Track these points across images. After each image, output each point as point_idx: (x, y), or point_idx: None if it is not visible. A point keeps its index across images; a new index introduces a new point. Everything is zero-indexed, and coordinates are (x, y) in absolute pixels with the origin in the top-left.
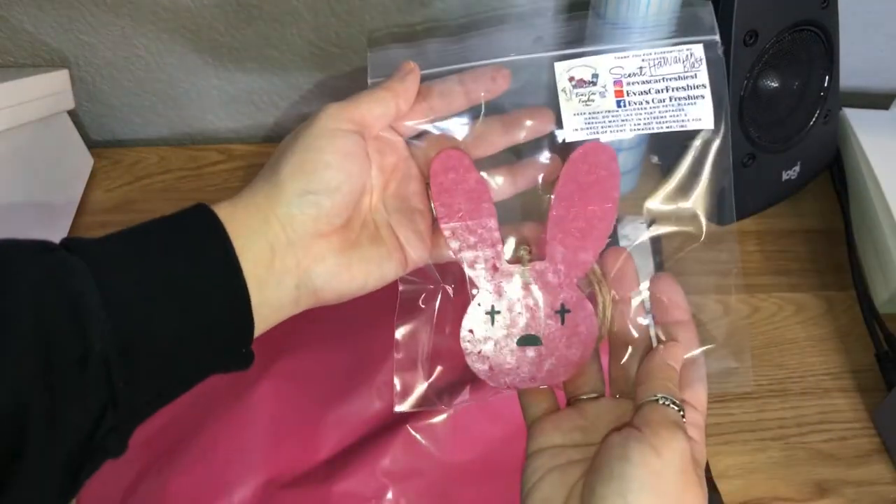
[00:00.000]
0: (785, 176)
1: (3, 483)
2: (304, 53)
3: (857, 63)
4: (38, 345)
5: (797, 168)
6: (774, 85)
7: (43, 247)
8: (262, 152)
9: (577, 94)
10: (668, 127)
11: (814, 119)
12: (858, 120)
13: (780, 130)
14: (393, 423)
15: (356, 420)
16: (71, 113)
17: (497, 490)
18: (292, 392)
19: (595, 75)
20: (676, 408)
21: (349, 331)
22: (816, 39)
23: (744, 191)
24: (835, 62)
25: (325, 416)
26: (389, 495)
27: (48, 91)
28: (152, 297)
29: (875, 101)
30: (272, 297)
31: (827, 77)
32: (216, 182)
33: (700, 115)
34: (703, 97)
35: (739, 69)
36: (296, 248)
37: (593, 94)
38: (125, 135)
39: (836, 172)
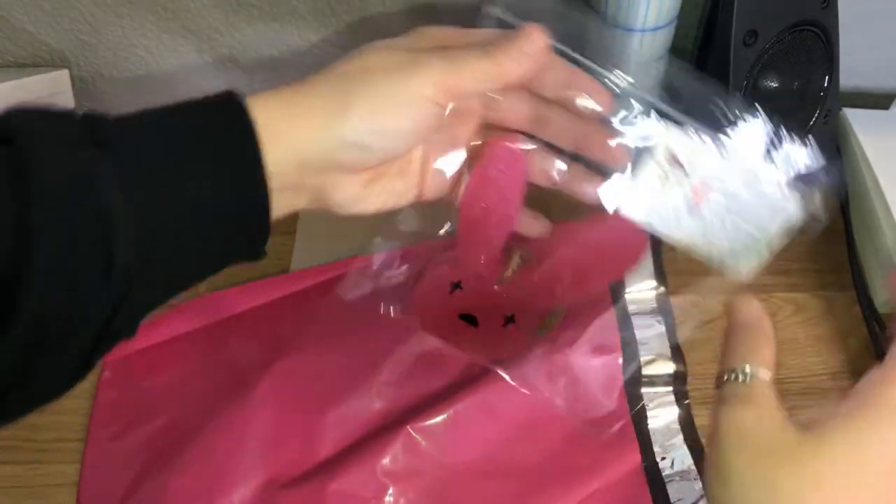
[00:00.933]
0: None
1: (27, 381)
2: (304, 54)
3: (857, 63)
4: (63, 257)
5: None
6: (774, 85)
7: (71, 139)
8: None
9: (662, 166)
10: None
11: (814, 119)
12: (858, 120)
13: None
14: (393, 424)
15: (356, 420)
16: None
17: (497, 490)
18: (292, 392)
19: (690, 165)
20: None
21: (349, 331)
22: (816, 39)
23: None
24: (835, 62)
25: (325, 416)
26: (389, 496)
27: (48, 91)
28: (176, 212)
29: (875, 101)
30: (284, 204)
31: (827, 77)
32: None
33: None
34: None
35: (739, 69)
36: (323, 176)
37: (669, 177)
38: None
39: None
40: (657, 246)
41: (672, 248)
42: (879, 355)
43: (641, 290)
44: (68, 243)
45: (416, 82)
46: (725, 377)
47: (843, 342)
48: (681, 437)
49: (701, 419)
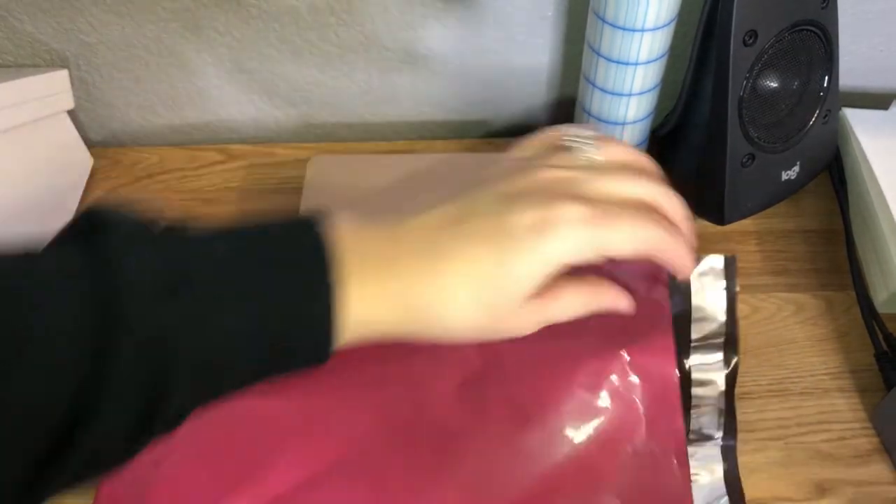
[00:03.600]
0: (784, 176)
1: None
2: (304, 54)
3: (856, 63)
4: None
5: (797, 168)
6: (774, 85)
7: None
8: (262, 152)
9: None
10: None
11: (813, 119)
12: (858, 120)
13: (779, 130)
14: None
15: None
16: (71, 113)
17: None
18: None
19: None
20: None
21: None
22: (816, 39)
23: (743, 191)
24: (834, 62)
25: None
26: None
27: (48, 91)
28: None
29: (875, 100)
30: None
31: (826, 77)
32: (216, 182)
33: None
34: None
35: (739, 69)
36: None
37: None
38: (125, 135)
39: (835, 172)
40: (732, 302)
41: None
42: (879, 355)
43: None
44: (123, 418)
45: (526, 280)
46: None
47: (843, 342)
48: (726, 499)
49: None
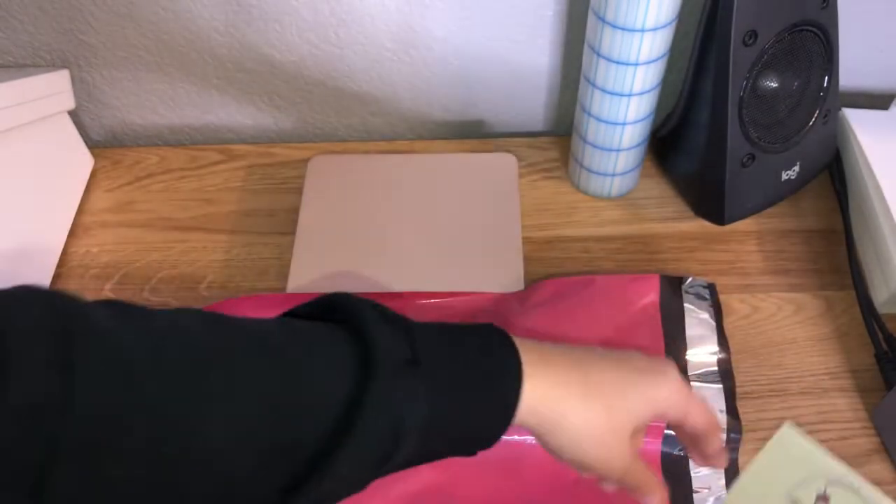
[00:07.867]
0: (784, 176)
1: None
2: (304, 53)
3: (856, 63)
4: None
5: (797, 168)
6: (774, 85)
7: (399, 361)
8: (262, 152)
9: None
10: None
11: (813, 119)
12: (858, 120)
13: (779, 130)
14: None
15: None
16: (71, 113)
17: None
18: None
19: None
20: None
21: None
22: (816, 39)
23: (743, 191)
24: (834, 62)
25: None
26: None
27: (49, 91)
28: (442, 431)
29: (875, 101)
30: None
31: (826, 77)
32: (216, 182)
33: None
34: None
35: (739, 69)
36: None
37: None
38: (125, 135)
39: (835, 172)
40: (719, 311)
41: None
42: (879, 355)
43: (702, 354)
44: (370, 450)
45: (673, 385)
46: None
47: (843, 342)
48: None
49: None
